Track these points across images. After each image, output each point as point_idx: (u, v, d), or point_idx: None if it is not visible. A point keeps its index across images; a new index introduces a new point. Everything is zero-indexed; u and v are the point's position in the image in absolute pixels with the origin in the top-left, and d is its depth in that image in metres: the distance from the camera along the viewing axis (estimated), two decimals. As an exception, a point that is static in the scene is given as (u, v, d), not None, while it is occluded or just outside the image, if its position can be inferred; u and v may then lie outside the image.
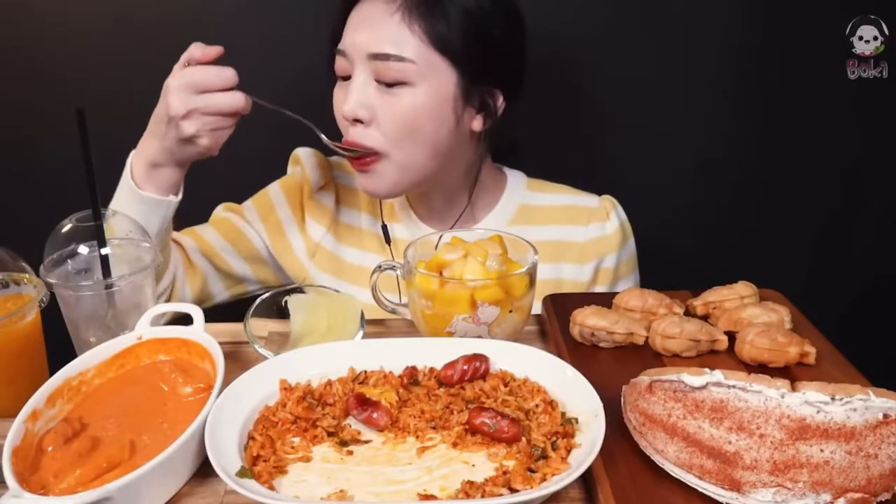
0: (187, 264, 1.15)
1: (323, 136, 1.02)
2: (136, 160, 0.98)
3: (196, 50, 0.93)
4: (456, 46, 0.99)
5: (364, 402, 0.70)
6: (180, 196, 1.00)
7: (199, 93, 0.90)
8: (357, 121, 1.00)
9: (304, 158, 1.21)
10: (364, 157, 1.02)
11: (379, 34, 0.98)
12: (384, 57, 0.97)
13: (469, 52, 1.00)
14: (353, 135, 1.01)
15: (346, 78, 1.03)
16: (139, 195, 0.96)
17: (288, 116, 0.97)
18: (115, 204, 0.97)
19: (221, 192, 1.22)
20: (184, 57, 0.94)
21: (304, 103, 1.22)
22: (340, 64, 1.03)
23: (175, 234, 1.15)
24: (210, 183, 1.01)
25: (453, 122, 1.03)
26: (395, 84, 0.98)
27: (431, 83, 0.99)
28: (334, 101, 1.06)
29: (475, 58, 1.01)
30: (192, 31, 1.38)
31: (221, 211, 1.21)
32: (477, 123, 1.06)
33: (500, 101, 1.07)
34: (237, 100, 0.91)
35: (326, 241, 1.20)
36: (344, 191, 1.22)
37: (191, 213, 1.15)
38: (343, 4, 1.04)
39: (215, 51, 0.93)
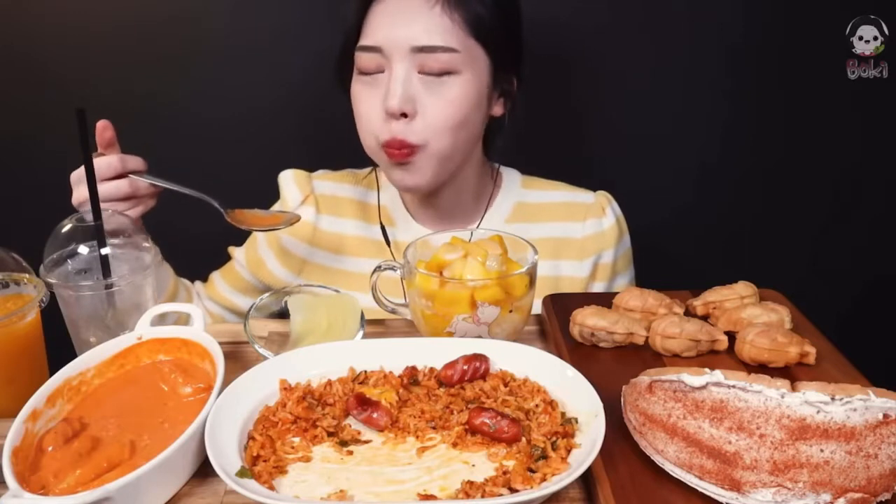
0: (204, 311, 1.20)
1: (222, 211, 0.99)
2: None
3: (98, 128, 0.97)
4: (491, 32, 1.01)
5: (364, 402, 0.70)
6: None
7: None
8: (402, 115, 1.00)
9: (281, 183, 1.22)
10: (403, 151, 1.01)
11: (422, 27, 0.98)
12: (430, 49, 0.98)
13: (499, 37, 1.03)
14: (398, 131, 1.00)
15: (371, 73, 1.02)
16: None
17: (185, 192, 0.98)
18: None
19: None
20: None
21: (306, 103, 1.22)
22: (370, 60, 1.01)
23: (199, 284, 1.25)
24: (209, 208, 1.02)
25: (486, 108, 1.06)
26: (442, 74, 1.00)
27: (473, 70, 1.01)
28: (358, 98, 1.04)
29: (502, 43, 1.04)
30: (192, 31, 1.39)
31: (230, 254, 1.26)
32: (498, 108, 1.09)
33: (515, 84, 1.10)
34: (120, 189, 0.96)
35: (311, 255, 1.20)
36: (325, 200, 1.21)
37: (195, 235, 1.18)
38: (362, 1, 1.03)
39: (106, 136, 0.96)
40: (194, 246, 1.16)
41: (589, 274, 1.16)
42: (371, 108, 1.02)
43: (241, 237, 1.21)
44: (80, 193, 0.95)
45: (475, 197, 1.17)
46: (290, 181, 1.21)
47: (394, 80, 0.99)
